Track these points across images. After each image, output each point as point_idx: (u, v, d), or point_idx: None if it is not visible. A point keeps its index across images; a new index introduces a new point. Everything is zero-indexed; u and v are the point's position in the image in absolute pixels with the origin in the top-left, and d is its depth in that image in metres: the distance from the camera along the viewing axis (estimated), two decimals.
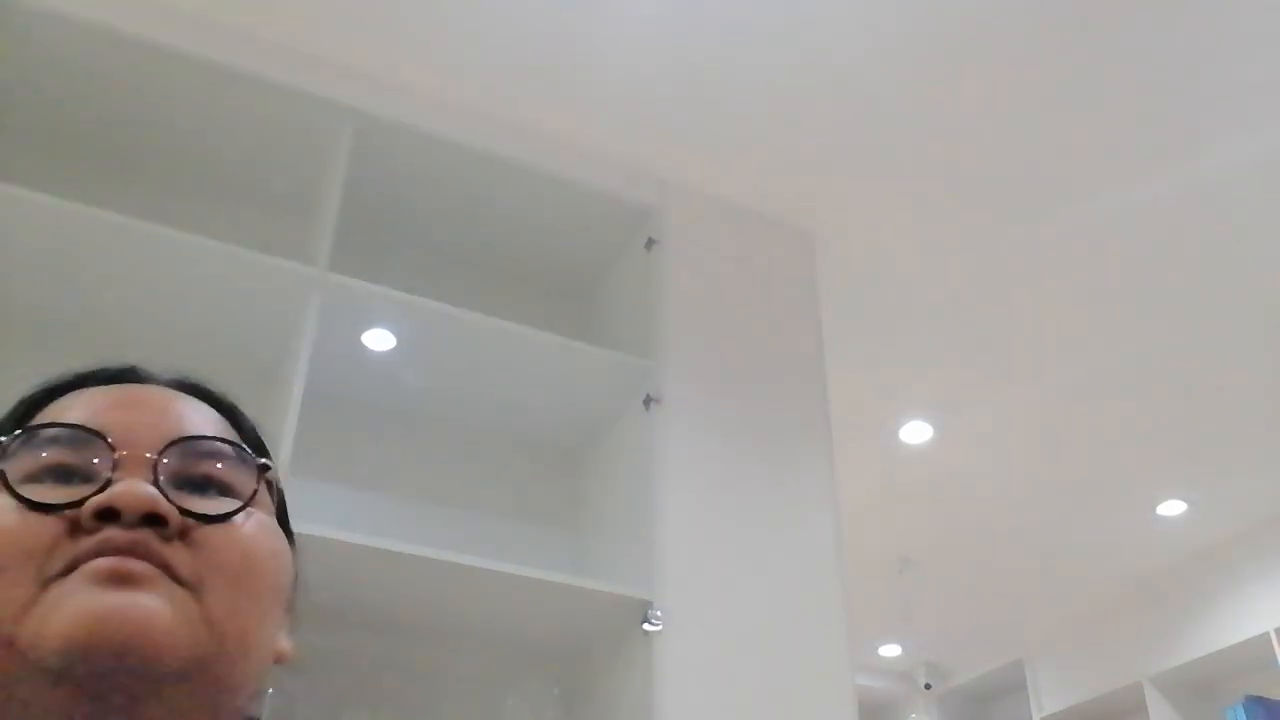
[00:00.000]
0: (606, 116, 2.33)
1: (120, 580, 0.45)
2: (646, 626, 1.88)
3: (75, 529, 0.47)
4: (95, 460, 0.50)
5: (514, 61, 2.21)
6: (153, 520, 0.47)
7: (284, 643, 0.56)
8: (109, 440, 0.50)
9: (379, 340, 2.10)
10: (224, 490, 0.53)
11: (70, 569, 0.46)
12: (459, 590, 1.87)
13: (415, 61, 2.20)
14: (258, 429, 0.62)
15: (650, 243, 2.35)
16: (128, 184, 2.16)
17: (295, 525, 0.61)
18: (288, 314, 1.92)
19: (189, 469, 0.52)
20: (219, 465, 0.53)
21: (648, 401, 2.14)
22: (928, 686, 5.28)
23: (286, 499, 0.62)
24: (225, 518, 0.51)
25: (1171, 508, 3.90)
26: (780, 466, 2.23)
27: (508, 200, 2.35)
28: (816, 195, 2.55)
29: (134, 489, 0.48)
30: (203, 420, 0.56)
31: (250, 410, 0.63)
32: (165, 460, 0.51)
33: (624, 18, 2.12)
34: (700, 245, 2.42)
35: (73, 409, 0.54)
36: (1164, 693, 4.32)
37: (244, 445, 0.55)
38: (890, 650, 5.31)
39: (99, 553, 0.46)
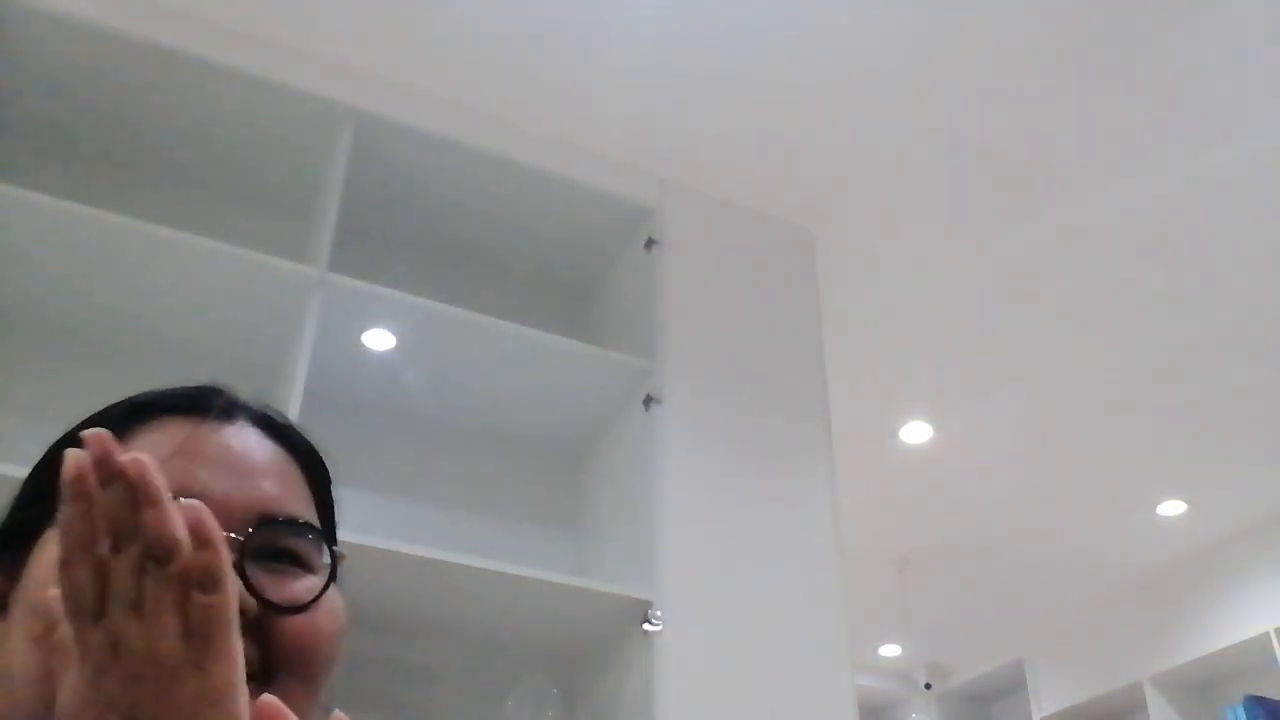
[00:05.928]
0: (606, 116, 2.33)
1: None
2: (646, 626, 1.88)
3: None
4: None
5: (514, 62, 2.21)
6: None
7: None
8: None
9: (379, 340, 2.10)
10: (297, 559, 0.54)
11: None
12: (459, 590, 1.87)
13: (415, 61, 2.20)
14: (326, 461, 0.64)
15: (650, 243, 2.35)
16: (127, 184, 2.16)
17: None
18: (288, 314, 1.92)
19: (269, 543, 0.53)
20: (297, 541, 0.55)
21: (648, 401, 2.14)
22: (928, 686, 5.28)
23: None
24: (303, 609, 0.52)
25: (1171, 508, 3.90)
26: (780, 466, 2.23)
27: (508, 200, 2.35)
28: (816, 195, 2.54)
29: None
30: (281, 480, 0.56)
31: None
32: (249, 538, 0.51)
33: (624, 18, 2.12)
34: (700, 245, 2.42)
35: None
36: (1164, 693, 4.32)
37: (319, 527, 0.57)
38: (890, 650, 5.31)
39: None
